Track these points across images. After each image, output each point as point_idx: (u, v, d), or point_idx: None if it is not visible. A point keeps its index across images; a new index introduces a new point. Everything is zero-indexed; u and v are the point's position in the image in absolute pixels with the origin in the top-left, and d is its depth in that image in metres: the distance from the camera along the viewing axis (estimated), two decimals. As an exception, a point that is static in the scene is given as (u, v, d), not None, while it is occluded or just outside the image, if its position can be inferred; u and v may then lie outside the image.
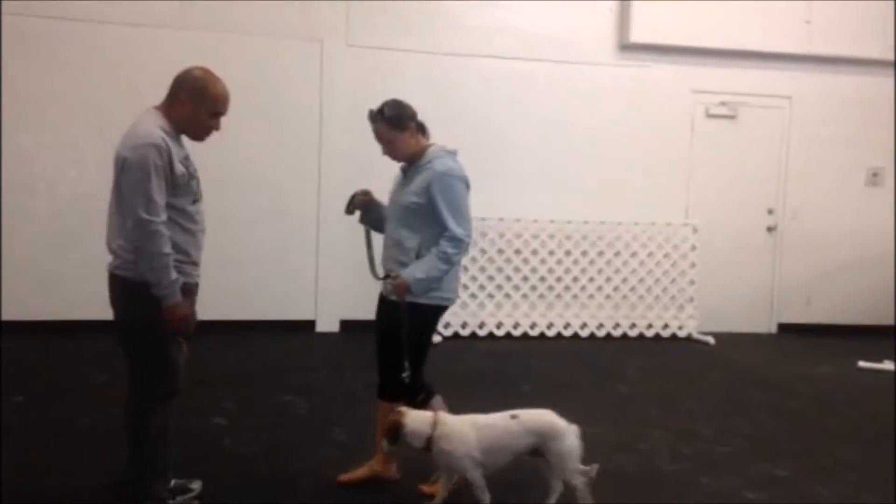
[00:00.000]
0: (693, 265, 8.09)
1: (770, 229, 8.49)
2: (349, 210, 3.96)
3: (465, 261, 7.58)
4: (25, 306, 6.86)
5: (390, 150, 3.79)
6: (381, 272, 3.88)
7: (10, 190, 6.87)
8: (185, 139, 3.40)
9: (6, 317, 6.76)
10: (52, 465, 4.04)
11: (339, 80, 7.28)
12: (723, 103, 8.25)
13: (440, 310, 3.84)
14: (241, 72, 6.75)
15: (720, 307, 8.25)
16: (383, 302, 3.88)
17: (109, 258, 3.32)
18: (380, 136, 3.77)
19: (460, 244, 3.72)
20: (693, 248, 8.09)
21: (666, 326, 8.06)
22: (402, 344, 3.66)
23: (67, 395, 5.21)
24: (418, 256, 3.71)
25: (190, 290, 3.32)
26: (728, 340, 7.95)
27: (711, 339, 7.90)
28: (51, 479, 3.85)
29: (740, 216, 8.38)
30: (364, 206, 3.96)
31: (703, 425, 5.17)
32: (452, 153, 3.87)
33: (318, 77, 7.38)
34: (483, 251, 7.67)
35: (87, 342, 6.37)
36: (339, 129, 7.20)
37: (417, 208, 3.71)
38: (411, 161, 3.82)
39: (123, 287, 3.27)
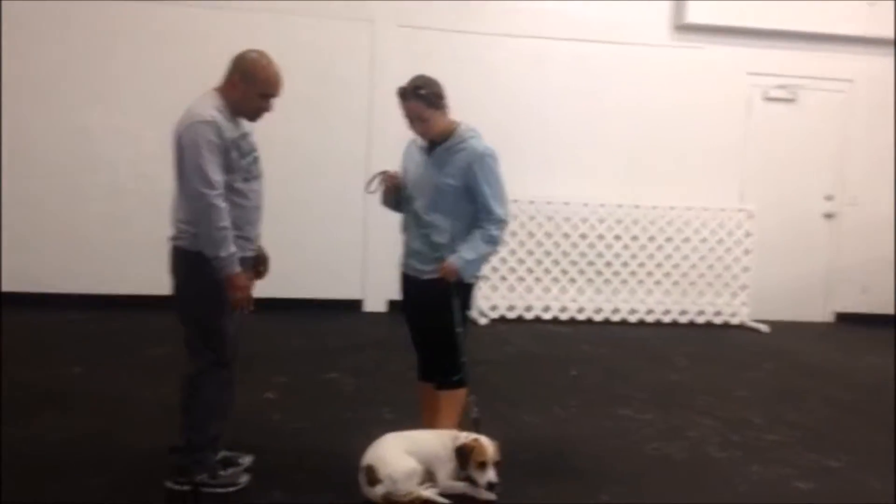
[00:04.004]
0: (747, 251, 7.95)
1: (828, 216, 8.29)
2: (371, 188, 3.84)
3: (513, 243, 7.57)
4: (87, 281, 7.06)
5: (424, 128, 3.65)
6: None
7: (73, 170, 7.06)
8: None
9: (69, 290, 6.98)
10: (109, 434, 4.16)
11: (390, 61, 7.28)
12: (781, 86, 8.06)
13: (473, 287, 3.84)
14: (292, 53, 6.77)
15: (774, 294, 8.10)
16: (409, 284, 3.85)
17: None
18: (415, 115, 3.62)
19: (504, 226, 3.70)
20: (747, 234, 7.94)
21: (718, 313, 7.94)
22: (452, 328, 3.66)
23: (125, 368, 5.36)
24: (452, 238, 3.67)
25: (242, 263, 3.41)
26: (782, 329, 7.80)
27: (765, 327, 7.77)
28: (107, 447, 3.97)
29: (797, 202, 8.20)
30: (394, 189, 3.82)
31: (754, 414, 5.09)
32: (476, 130, 3.75)
33: (368, 58, 7.40)
34: (531, 234, 7.64)
35: (146, 317, 6.51)
36: (388, 110, 7.16)
37: (453, 190, 3.63)
38: (437, 139, 3.69)
39: (178, 257, 3.44)
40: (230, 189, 3.38)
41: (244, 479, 3.60)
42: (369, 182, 3.86)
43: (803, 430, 4.82)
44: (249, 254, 3.55)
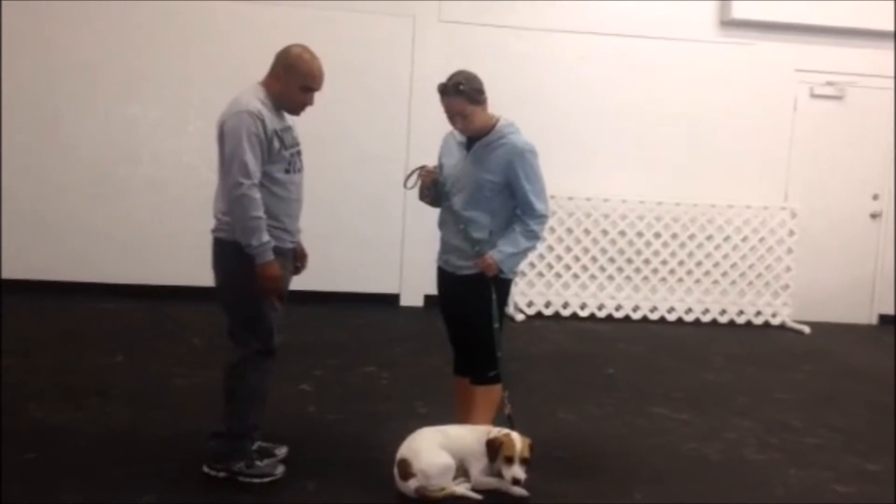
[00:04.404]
0: (790, 251, 7.81)
1: (874, 216, 8.11)
2: (409, 184, 3.85)
3: (551, 240, 7.54)
4: (129, 271, 7.20)
5: (465, 124, 3.64)
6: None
7: (117, 160, 7.19)
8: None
9: (112, 280, 7.13)
10: (148, 421, 4.24)
11: (431, 56, 7.28)
12: (829, 83, 7.90)
13: (510, 283, 3.85)
14: (332, 47, 6.80)
15: (817, 295, 7.95)
16: (446, 279, 3.86)
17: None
18: (457, 111, 3.60)
19: (545, 221, 3.71)
20: (791, 233, 7.81)
21: (758, 314, 7.82)
22: (488, 323, 3.67)
23: (165, 357, 5.45)
24: (491, 234, 3.68)
25: (280, 254, 3.47)
26: (824, 330, 7.66)
27: (807, 329, 7.63)
28: (145, 434, 4.05)
29: (843, 201, 8.02)
30: (432, 185, 3.80)
31: (794, 416, 5.01)
32: (515, 125, 3.74)
33: (409, 52, 7.41)
34: (569, 230, 7.59)
35: (186, 307, 6.64)
36: (428, 105, 7.19)
37: (493, 186, 3.64)
38: (477, 135, 3.69)
39: (218, 247, 3.52)
40: (271, 179, 3.44)
41: (279, 470, 3.64)
42: (407, 177, 3.87)
43: (844, 434, 4.74)
44: (289, 245, 3.60)
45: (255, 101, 3.40)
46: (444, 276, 3.88)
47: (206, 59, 7.16)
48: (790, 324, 7.76)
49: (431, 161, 3.93)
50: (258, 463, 3.62)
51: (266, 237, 3.36)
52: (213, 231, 3.54)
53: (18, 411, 4.25)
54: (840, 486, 3.96)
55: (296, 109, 3.58)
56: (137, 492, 3.43)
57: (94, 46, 7.07)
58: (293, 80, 3.47)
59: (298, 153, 3.61)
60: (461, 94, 3.58)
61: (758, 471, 4.12)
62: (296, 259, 3.74)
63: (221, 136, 3.41)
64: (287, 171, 3.51)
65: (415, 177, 3.85)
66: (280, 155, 3.46)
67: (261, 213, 3.35)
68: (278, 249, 3.45)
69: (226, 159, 3.37)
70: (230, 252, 3.44)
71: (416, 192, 3.92)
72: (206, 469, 3.60)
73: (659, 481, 3.90)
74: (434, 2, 7.41)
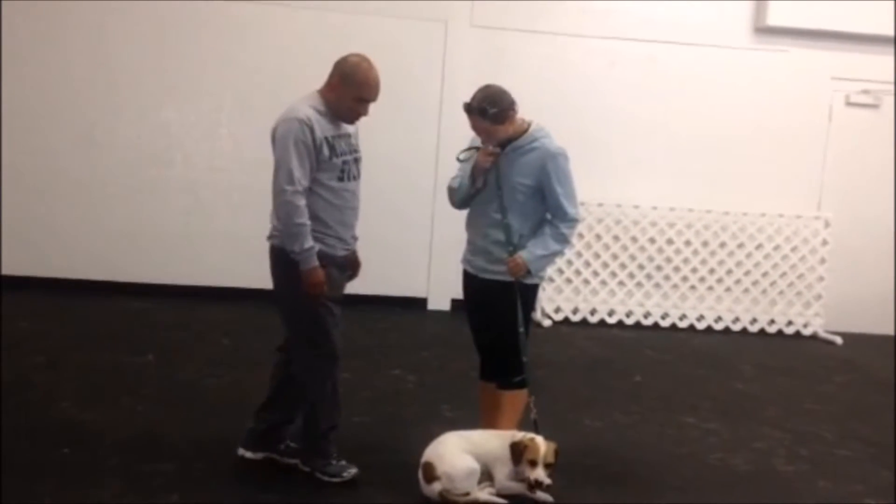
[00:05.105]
0: (823, 260, 7.71)
1: (910, 226, 7.98)
2: (463, 157, 3.80)
3: (579, 246, 7.51)
4: (158, 271, 7.27)
5: (489, 138, 3.67)
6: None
7: (150, 162, 7.27)
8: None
9: (144, 280, 7.21)
10: (178, 420, 4.29)
11: (462, 61, 7.27)
12: (865, 91, 7.78)
13: (537, 288, 3.85)
14: (365, 52, 6.87)
15: (850, 306, 7.81)
16: (472, 282, 3.87)
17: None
18: (482, 130, 3.66)
19: (575, 225, 3.71)
20: (824, 242, 7.70)
21: (790, 323, 7.72)
22: (514, 327, 3.67)
23: (196, 357, 5.50)
24: (521, 237, 3.68)
25: (331, 261, 3.51)
26: (857, 341, 7.54)
27: (839, 339, 7.52)
28: (176, 432, 4.10)
29: (878, 211, 7.89)
30: (482, 172, 3.70)
31: (824, 428, 4.94)
32: (545, 129, 3.75)
33: (440, 57, 7.42)
34: (598, 237, 7.55)
35: (216, 308, 6.69)
36: (459, 110, 7.20)
37: (526, 190, 3.65)
38: (509, 140, 3.70)
39: (272, 254, 3.58)
40: (323, 186, 3.48)
41: (349, 472, 3.66)
42: (463, 151, 3.84)
43: (876, 447, 4.66)
44: (341, 253, 3.62)
45: (308, 108, 3.43)
46: (469, 279, 3.89)
47: (239, 62, 7.20)
48: (822, 334, 7.65)
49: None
50: (332, 462, 3.67)
51: (309, 243, 3.39)
52: (268, 238, 3.58)
53: (50, 409, 4.33)
54: (871, 499, 3.90)
55: (349, 118, 3.60)
56: (163, 491, 3.47)
57: (129, 49, 7.16)
58: (348, 90, 3.48)
59: (356, 161, 3.64)
60: (485, 115, 3.61)
61: (787, 482, 4.07)
62: (349, 267, 3.75)
63: (273, 142, 3.46)
64: (340, 179, 3.54)
65: (470, 152, 3.77)
66: (331, 163, 3.48)
67: (304, 219, 3.38)
68: (329, 256, 3.48)
69: (275, 165, 3.42)
70: (281, 258, 3.49)
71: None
72: (241, 451, 3.73)
73: (685, 491, 3.87)
74: (465, 7, 7.41)
